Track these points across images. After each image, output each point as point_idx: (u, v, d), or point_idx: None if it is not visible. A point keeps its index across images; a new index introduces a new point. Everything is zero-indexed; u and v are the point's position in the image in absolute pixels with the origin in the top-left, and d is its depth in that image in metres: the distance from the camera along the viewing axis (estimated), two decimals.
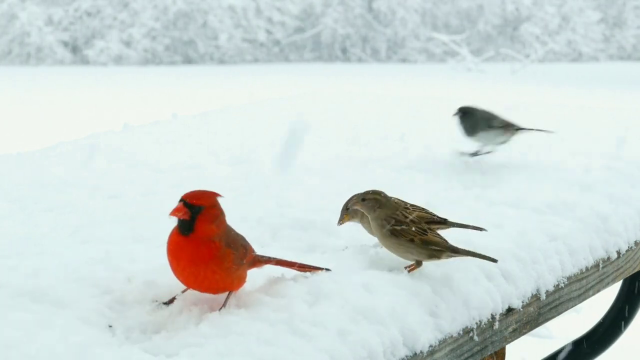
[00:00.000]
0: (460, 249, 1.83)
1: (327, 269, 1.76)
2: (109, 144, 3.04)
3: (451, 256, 1.83)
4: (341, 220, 1.96)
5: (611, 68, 28.21)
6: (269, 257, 1.73)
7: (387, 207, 1.84)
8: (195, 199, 1.59)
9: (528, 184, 2.56)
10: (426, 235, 1.81)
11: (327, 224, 2.05)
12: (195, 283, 1.61)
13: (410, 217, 1.84)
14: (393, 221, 1.82)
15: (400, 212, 1.84)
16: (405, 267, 1.84)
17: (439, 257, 1.82)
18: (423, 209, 1.97)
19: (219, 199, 1.62)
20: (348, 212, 1.95)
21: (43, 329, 1.49)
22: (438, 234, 1.85)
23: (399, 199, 1.92)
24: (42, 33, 27.14)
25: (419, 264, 1.83)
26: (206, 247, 1.59)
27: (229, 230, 1.64)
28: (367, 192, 1.88)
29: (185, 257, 1.59)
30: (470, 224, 1.99)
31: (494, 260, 1.83)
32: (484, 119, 2.80)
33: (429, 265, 1.86)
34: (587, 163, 2.78)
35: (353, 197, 1.92)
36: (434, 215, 1.96)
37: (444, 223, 1.96)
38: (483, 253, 1.84)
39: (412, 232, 1.81)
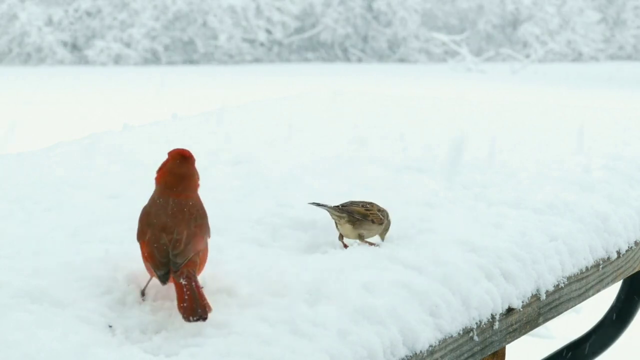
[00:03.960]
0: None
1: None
2: (109, 144, 3.04)
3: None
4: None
5: (611, 68, 28.22)
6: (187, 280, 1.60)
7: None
8: None
9: (528, 184, 2.55)
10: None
11: (327, 224, 2.05)
12: None
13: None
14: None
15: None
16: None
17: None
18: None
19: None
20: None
21: (43, 329, 1.49)
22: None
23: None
24: (42, 33, 27.14)
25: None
26: None
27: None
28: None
29: None
30: None
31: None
32: None
33: (429, 265, 1.86)
34: (587, 163, 2.78)
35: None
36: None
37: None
38: None
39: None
